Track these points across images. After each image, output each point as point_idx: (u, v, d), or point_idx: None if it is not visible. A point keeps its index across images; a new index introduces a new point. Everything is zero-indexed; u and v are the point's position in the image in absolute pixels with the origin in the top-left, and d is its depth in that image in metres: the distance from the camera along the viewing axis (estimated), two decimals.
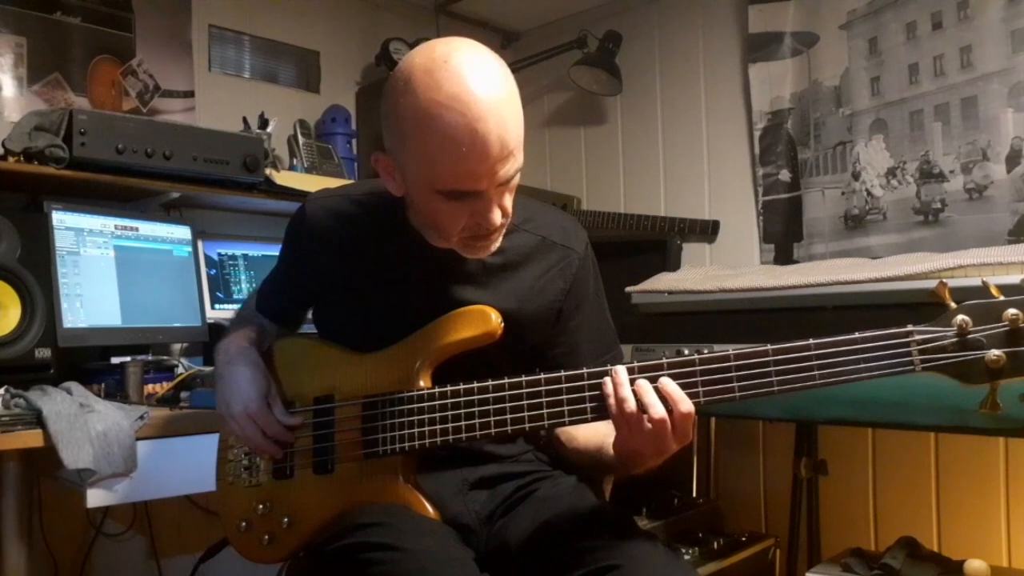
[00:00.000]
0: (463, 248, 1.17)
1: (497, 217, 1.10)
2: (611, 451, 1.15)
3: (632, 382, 1.05)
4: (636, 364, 1.07)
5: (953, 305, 0.96)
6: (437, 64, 1.04)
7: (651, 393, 1.03)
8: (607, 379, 1.06)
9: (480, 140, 1.02)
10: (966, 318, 0.94)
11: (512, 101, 1.06)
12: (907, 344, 0.96)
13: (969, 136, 2.27)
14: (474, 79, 1.03)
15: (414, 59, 1.07)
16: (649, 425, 1.02)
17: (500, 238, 1.18)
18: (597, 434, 1.23)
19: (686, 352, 1.06)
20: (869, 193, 2.46)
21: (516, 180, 1.11)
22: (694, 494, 2.62)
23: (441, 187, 1.07)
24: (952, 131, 2.30)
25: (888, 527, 2.37)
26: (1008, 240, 2.17)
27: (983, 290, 0.95)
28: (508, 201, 1.13)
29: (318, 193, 1.34)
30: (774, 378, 1.00)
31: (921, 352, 0.95)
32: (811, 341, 0.99)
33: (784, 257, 2.65)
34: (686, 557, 2.17)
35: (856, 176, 2.48)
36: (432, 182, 1.08)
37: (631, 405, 1.03)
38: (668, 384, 1.03)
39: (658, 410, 1.02)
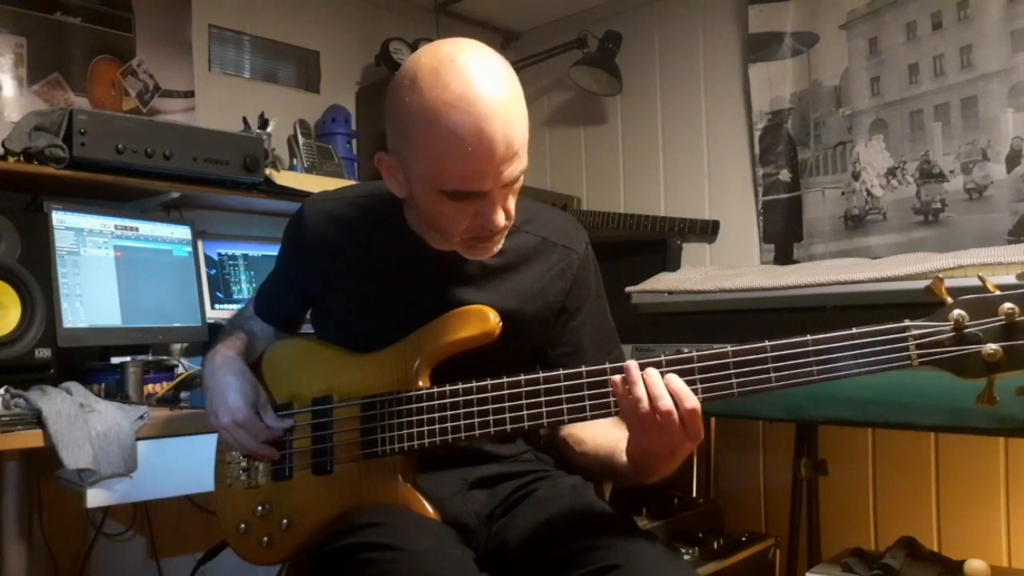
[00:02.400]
0: (465, 249, 1.17)
1: (501, 219, 1.10)
2: (623, 458, 1.14)
3: (642, 378, 1.03)
4: (635, 362, 1.06)
5: (949, 300, 0.95)
6: (444, 64, 1.03)
7: (659, 385, 1.02)
8: (618, 378, 1.04)
9: (486, 140, 1.02)
10: (962, 313, 0.94)
11: (518, 103, 1.06)
12: (904, 339, 0.96)
13: (969, 136, 2.26)
14: (481, 79, 1.02)
15: (420, 59, 1.06)
16: (659, 419, 1.01)
17: (503, 240, 1.17)
18: (608, 440, 1.22)
19: (686, 351, 1.05)
20: (869, 193, 2.46)
21: (520, 183, 1.11)
22: (694, 494, 2.62)
23: (445, 187, 1.07)
24: (952, 131, 2.29)
25: (888, 527, 2.36)
26: (1008, 240, 2.17)
27: (979, 286, 0.95)
28: (512, 203, 1.12)
29: (316, 196, 1.34)
30: (772, 374, 1.00)
31: (918, 347, 0.95)
32: (808, 337, 0.99)
33: (784, 257, 2.64)
34: (686, 557, 2.17)
35: (856, 176, 2.48)
36: (436, 182, 1.07)
37: (646, 404, 1.01)
38: (673, 380, 1.02)
39: (666, 402, 1.00)
